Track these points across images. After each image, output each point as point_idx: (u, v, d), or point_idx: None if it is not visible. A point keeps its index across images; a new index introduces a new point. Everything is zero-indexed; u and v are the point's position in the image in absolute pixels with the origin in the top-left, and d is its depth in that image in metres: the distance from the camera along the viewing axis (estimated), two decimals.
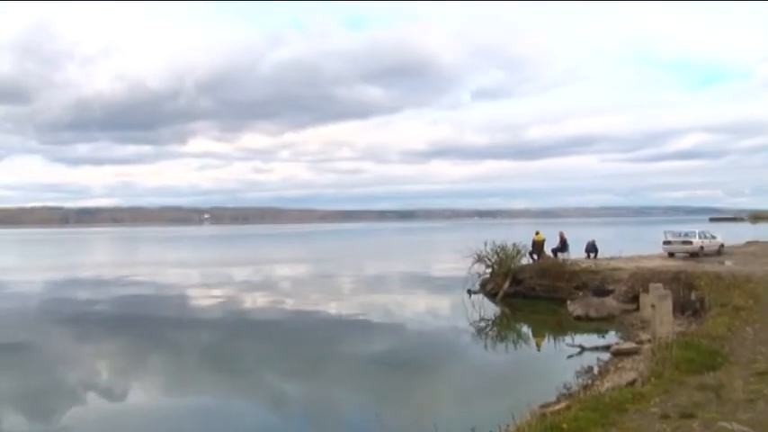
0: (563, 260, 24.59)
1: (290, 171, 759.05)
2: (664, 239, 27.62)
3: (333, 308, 21.40)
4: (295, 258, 47.18)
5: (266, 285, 28.29)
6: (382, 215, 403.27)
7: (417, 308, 21.53)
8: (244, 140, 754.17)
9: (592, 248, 28.33)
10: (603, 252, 28.04)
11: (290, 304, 22.30)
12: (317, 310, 20.92)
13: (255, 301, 23.50)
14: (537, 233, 26.45)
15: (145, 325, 18.29)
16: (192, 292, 25.88)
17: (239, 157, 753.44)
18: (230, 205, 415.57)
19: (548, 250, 26.28)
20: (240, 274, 34.18)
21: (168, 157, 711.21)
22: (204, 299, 23.90)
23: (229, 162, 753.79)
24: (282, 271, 36.20)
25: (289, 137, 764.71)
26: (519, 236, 26.65)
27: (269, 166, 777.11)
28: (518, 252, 24.37)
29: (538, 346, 16.01)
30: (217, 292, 25.91)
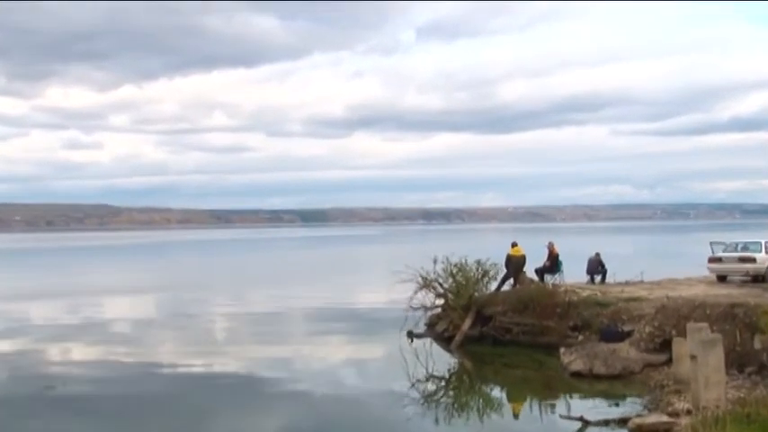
0: (553, 286, 25.22)
1: (130, 147, 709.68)
2: (711, 255, 28.16)
3: (202, 364, 21.76)
4: (139, 286, 46.98)
5: (92, 330, 28.16)
6: (277, 217, 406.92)
7: (333, 362, 22.10)
8: (50, 96, 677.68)
9: (597, 268, 28.78)
10: (616, 273, 28.65)
11: (132, 359, 22.42)
12: (178, 368, 21.18)
13: (72, 354, 23.58)
14: (514, 245, 26.75)
15: None
16: None
17: (41, 123, 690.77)
18: (25, 201, 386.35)
19: (531, 271, 26.88)
20: (44, 312, 34.03)
21: None
22: None
23: (24, 130, 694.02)
24: (119, 306, 36.38)
25: (127, 92, 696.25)
26: (487, 249, 27.26)
27: (93, 137, 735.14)
28: (485, 274, 24.87)
29: (515, 416, 16.32)
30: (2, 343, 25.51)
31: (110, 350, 23.62)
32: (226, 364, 21.64)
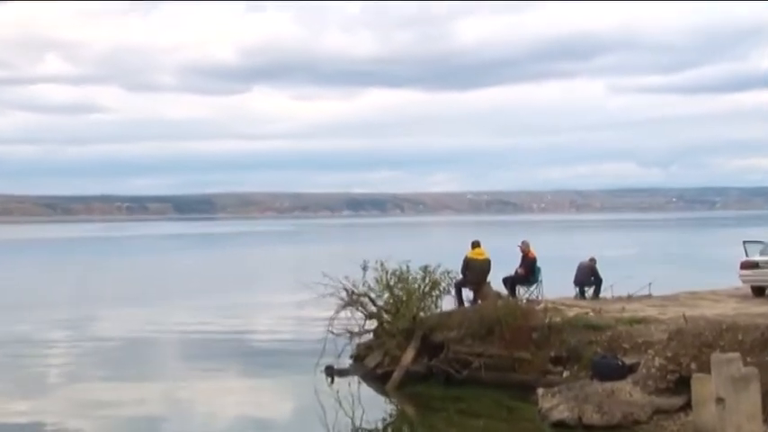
0: (529, 301, 25.55)
1: None
2: (744, 258, 28.52)
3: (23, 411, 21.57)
4: None
5: None
6: (140, 207, 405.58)
7: (219, 414, 22.00)
8: None
9: (589, 278, 29.13)
10: (614, 284, 28.97)
11: None
12: None
13: None
14: (475, 246, 26.99)
15: None
16: None
17: None
18: None
19: (498, 281, 27.08)
20: None
21: None
22: None
23: None
24: None
25: None
26: (438, 251, 26.93)
27: None
28: (434, 286, 25.08)
29: None
30: None
31: None
32: (57, 419, 21.23)
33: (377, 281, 24.75)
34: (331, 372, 24.40)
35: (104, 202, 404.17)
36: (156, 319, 38.77)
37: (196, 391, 24.54)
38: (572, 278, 29.40)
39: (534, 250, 28.55)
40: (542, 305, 24.51)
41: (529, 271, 27.79)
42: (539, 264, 28.21)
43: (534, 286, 27.70)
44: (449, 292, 25.44)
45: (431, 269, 25.01)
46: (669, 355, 19.72)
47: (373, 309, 24.85)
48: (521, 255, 28.25)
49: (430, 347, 23.62)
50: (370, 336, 25.16)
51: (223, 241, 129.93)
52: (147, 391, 24.37)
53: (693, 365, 18.27)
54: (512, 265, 28.23)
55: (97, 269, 74.38)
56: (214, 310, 41.51)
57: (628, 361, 20.57)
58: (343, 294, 24.68)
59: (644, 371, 19.92)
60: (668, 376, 19.36)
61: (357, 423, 20.23)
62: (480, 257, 26.49)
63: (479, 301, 25.51)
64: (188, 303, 45.06)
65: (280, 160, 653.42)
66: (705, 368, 15.84)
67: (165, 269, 73.64)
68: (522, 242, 28.58)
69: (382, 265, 24.74)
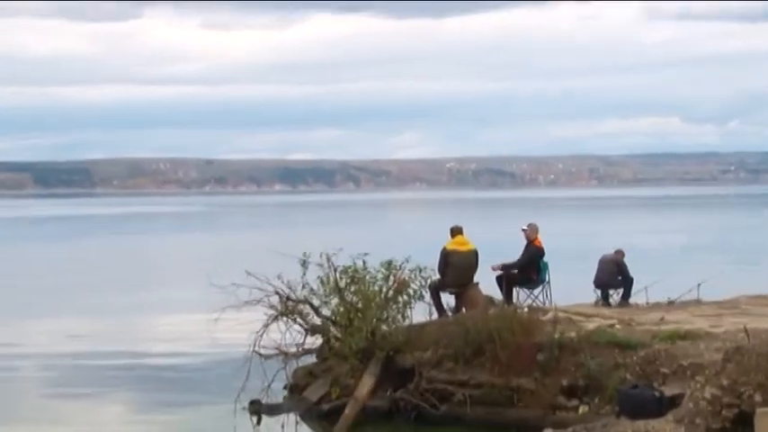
0: (531, 309, 25.81)
1: None
2: None
3: None
4: None
5: None
6: None
7: None
8: None
9: (615, 277, 29.48)
10: (649, 286, 29.33)
11: None
12: None
13: None
14: (456, 232, 27.33)
15: None
16: None
17: None
18: None
19: (489, 281, 27.47)
20: None
21: None
22: None
23: None
24: None
25: None
26: (406, 240, 26.76)
27: None
28: (401, 288, 25.21)
29: None
30: None
31: None
32: None
33: (321, 282, 24.79)
34: (257, 408, 24.33)
35: None
36: (8, 339, 38.38)
37: None
38: (591, 277, 29.62)
39: (541, 238, 28.59)
40: (551, 315, 24.63)
41: (529, 264, 27.91)
42: (546, 258, 28.35)
43: (540, 288, 27.88)
44: (422, 297, 25.49)
45: (396, 265, 25.02)
46: (725, 382, 19.88)
47: (316, 321, 24.87)
48: (527, 242, 28.30)
49: (395, 374, 23.70)
50: (313, 358, 25.23)
51: (104, 227, 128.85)
52: None
53: (758, 397, 18.47)
54: (509, 258, 28.35)
55: None
56: (90, 325, 41.47)
57: (668, 391, 20.82)
58: (275, 301, 24.66)
59: (690, 405, 20.10)
60: (723, 412, 19.52)
61: None
62: (463, 249, 26.72)
63: (464, 310, 25.62)
64: (53, 316, 44.62)
65: (185, 115, 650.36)
66: None
67: (19, 268, 72.22)
68: (529, 225, 28.74)
69: (329, 260, 24.74)
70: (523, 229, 28.60)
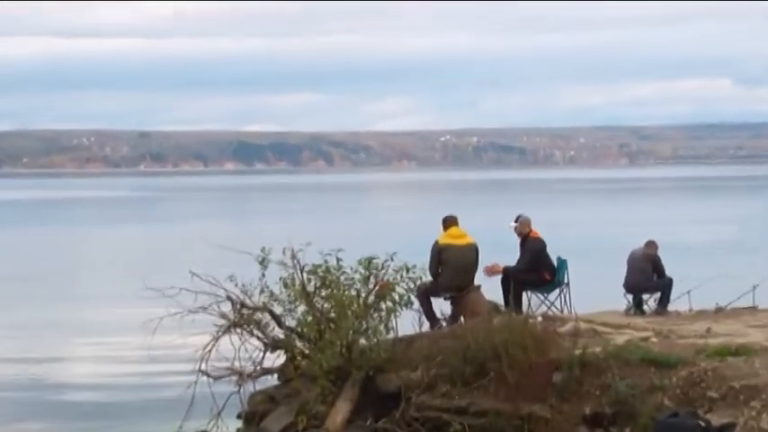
0: (546, 318, 26.19)
1: None
2: None
3: None
4: None
5: None
6: None
7: None
8: None
9: (649, 276, 29.55)
10: (693, 289, 29.54)
11: None
12: None
13: None
14: (449, 223, 27.69)
15: None
16: None
17: None
18: None
19: (493, 285, 27.70)
20: None
21: None
22: None
23: None
24: None
25: None
26: (390, 232, 26.69)
27: None
28: (388, 291, 25.44)
29: None
30: None
31: None
32: None
33: (285, 285, 24.92)
34: None
35: None
36: None
37: None
38: (621, 278, 29.64)
39: (536, 230, 28.77)
40: (570, 326, 24.80)
41: (535, 261, 28.01)
42: (563, 255, 28.34)
43: (556, 292, 27.82)
44: (410, 303, 25.59)
45: (378, 264, 25.18)
46: None
47: (278, 333, 24.98)
48: (520, 237, 28.73)
49: (376, 399, 23.84)
50: (274, 379, 25.35)
51: (9, 217, 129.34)
52: None
53: None
54: (511, 256, 28.58)
55: None
56: None
57: (715, 420, 20.79)
58: (227, 308, 24.77)
59: None
60: None
61: None
62: (460, 243, 26.89)
63: (462, 319, 25.57)
64: None
65: (115, 75, 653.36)
66: None
67: None
68: (518, 219, 28.91)
69: (294, 257, 24.86)
70: (512, 226, 28.77)
